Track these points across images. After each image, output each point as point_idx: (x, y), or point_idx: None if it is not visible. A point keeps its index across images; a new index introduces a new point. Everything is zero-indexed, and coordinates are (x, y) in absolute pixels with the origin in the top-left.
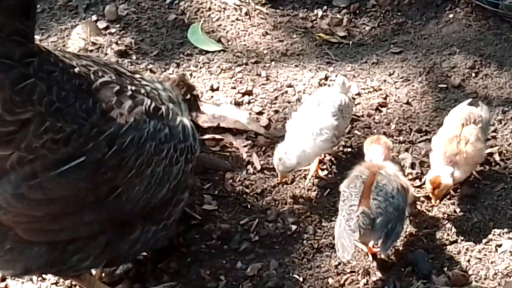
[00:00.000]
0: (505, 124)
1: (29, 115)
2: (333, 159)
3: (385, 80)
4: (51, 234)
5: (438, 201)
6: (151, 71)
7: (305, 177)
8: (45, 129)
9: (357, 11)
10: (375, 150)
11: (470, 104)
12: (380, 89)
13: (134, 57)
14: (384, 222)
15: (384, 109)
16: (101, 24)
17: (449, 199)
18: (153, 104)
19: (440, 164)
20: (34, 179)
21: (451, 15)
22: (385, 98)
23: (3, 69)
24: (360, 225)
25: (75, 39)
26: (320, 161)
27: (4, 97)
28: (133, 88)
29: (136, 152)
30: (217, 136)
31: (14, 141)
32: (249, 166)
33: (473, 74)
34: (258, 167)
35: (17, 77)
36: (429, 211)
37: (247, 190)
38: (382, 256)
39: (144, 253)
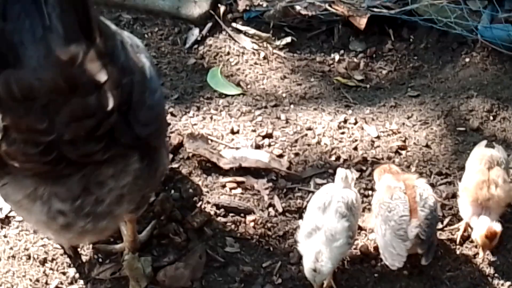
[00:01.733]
0: None
1: None
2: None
3: (403, 123)
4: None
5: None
6: (172, 114)
7: None
8: None
9: (374, 55)
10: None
11: (487, 146)
12: (399, 132)
13: None
14: (430, 233)
15: (403, 152)
16: None
17: (471, 241)
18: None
19: (470, 210)
20: None
21: (467, 59)
22: (404, 141)
23: None
24: (420, 236)
25: None
26: None
27: None
28: None
29: None
30: (238, 179)
31: None
32: (270, 209)
33: (491, 117)
34: (280, 209)
35: None
36: (452, 253)
37: (269, 233)
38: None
39: None
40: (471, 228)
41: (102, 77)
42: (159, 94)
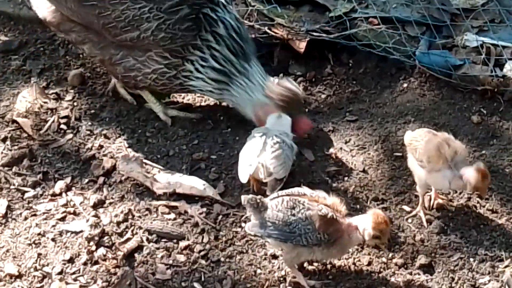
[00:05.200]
0: (460, 192)
1: None
2: None
3: (341, 148)
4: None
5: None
6: (106, 136)
7: (262, 246)
8: None
9: (313, 79)
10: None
11: None
12: (336, 157)
13: (89, 122)
14: (266, 216)
15: (340, 177)
16: (54, 89)
17: (406, 268)
18: None
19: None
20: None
21: (405, 85)
22: (341, 166)
23: None
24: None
25: (21, 103)
26: None
27: None
28: None
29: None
30: (172, 203)
31: None
32: (204, 234)
33: None
34: (213, 236)
35: None
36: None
37: (202, 260)
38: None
39: None
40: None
41: None
42: None
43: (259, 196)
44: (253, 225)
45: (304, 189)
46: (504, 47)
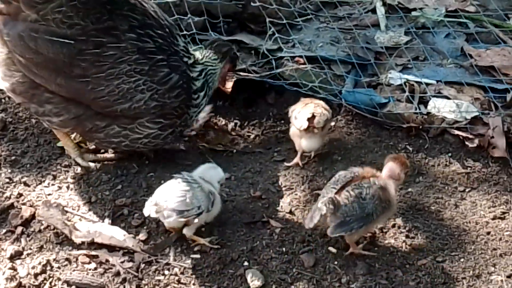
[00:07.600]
0: (386, 232)
1: None
2: None
3: (268, 189)
4: (38, 77)
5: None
6: (26, 184)
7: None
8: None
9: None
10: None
11: None
12: (263, 199)
13: (9, 169)
14: (344, 212)
15: (266, 219)
16: None
17: None
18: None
19: None
20: (34, 33)
21: (332, 123)
22: (268, 208)
23: None
24: (326, 206)
25: None
26: None
27: None
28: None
29: (112, 64)
30: (92, 253)
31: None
32: (126, 284)
33: None
34: (135, 285)
35: None
36: None
37: None
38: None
39: None
40: None
41: None
42: None
43: (330, 196)
44: (335, 228)
45: (350, 170)
46: (427, 84)
